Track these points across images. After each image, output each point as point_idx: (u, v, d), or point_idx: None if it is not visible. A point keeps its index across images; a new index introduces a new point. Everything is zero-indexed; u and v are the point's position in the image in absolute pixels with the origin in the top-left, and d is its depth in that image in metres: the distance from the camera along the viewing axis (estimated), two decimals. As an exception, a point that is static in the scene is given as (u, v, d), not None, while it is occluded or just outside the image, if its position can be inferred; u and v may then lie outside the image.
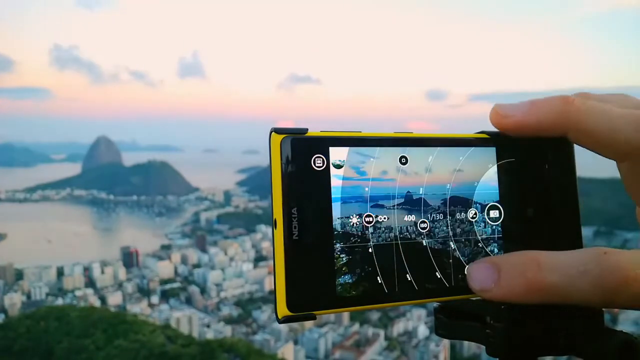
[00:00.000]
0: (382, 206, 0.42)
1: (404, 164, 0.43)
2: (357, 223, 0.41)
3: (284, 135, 0.39)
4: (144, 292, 66.27)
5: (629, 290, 0.34)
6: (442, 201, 0.44)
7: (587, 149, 0.41)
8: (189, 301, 64.56)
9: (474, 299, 0.43)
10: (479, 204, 0.45)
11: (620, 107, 0.39)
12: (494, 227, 0.45)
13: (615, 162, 0.41)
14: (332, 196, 0.40)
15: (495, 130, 0.45)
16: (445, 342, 41.68)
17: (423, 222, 0.43)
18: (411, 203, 0.43)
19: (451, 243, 0.43)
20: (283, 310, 0.38)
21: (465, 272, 0.42)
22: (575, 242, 0.45)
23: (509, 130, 0.42)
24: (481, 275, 0.38)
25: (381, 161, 0.42)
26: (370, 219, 0.41)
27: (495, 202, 0.45)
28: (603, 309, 0.41)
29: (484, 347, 0.42)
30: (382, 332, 50.65)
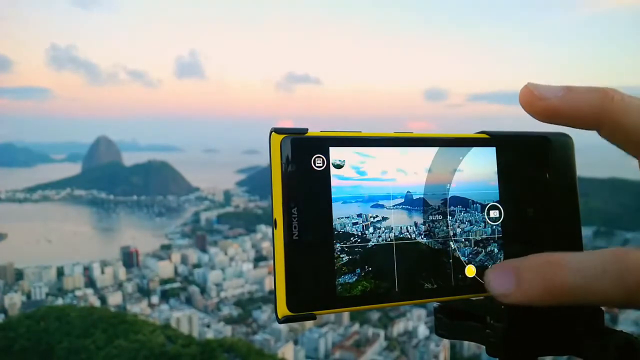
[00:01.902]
0: (382, 206, 0.42)
1: (404, 164, 0.43)
2: (357, 223, 0.41)
3: (284, 135, 0.39)
4: (144, 292, 66.22)
5: None
6: (442, 201, 0.44)
7: (617, 146, 0.40)
8: (189, 301, 64.50)
9: (474, 299, 0.44)
10: (479, 204, 0.45)
11: None
12: (494, 227, 0.45)
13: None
14: (332, 196, 0.40)
15: (495, 130, 0.44)
16: (445, 342, 41.65)
17: (423, 222, 0.43)
18: (411, 203, 0.43)
19: (451, 243, 0.43)
20: (283, 310, 0.38)
21: (484, 278, 0.40)
22: (575, 242, 0.45)
23: (539, 114, 0.39)
24: (501, 280, 0.37)
25: (381, 161, 0.42)
26: (371, 219, 0.41)
27: (495, 202, 0.45)
28: (603, 309, 0.42)
29: (484, 347, 0.42)
30: (382, 332, 50.62)
